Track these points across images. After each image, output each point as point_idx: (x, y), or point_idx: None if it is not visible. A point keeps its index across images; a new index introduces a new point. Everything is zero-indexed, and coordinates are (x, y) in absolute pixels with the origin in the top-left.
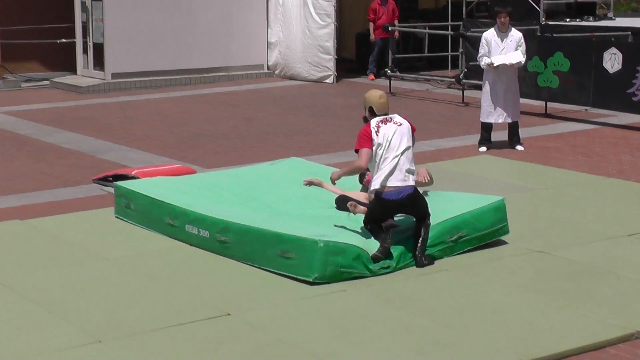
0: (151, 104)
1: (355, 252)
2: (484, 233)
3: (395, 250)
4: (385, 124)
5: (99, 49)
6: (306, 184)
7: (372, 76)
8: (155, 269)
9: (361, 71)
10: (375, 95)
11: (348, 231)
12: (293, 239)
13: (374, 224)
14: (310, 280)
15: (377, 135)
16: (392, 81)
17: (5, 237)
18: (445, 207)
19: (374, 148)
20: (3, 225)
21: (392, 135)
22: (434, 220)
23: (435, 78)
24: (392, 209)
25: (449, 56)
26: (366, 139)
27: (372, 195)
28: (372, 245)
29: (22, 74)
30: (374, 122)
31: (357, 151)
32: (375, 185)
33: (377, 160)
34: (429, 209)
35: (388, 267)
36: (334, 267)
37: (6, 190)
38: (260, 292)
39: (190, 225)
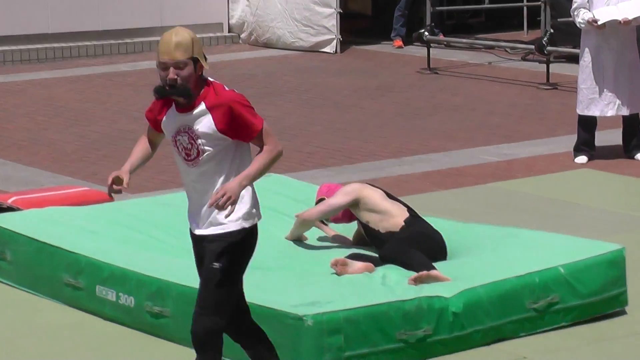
0: (36, 87)
1: (368, 319)
2: (589, 302)
3: (436, 303)
4: None
5: None
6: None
7: (398, 41)
8: (47, 358)
9: (381, 33)
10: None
11: (355, 286)
12: (267, 312)
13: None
14: None
15: None
16: (431, 49)
17: None
18: (523, 255)
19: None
20: None
21: None
22: (503, 272)
23: (503, 44)
24: None
25: (524, 9)
26: None
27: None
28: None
29: None
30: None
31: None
32: (251, 209)
33: (239, 156)
34: (493, 255)
35: (424, 333)
36: (334, 354)
37: None
38: None
39: (103, 288)
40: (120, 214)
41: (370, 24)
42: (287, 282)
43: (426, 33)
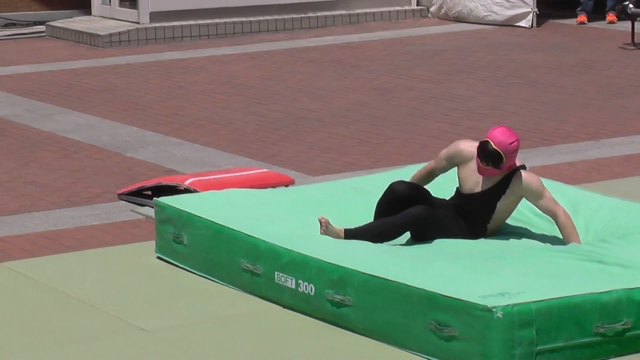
0: (215, 64)
1: (562, 311)
2: None
3: (636, 295)
4: None
5: None
6: None
7: (582, 16)
8: (223, 348)
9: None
10: None
11: (545, 274)
12: (452, 302)
13: None
14: None
15: None
16: (636, 23)
17: None
18: None
19: None
20: None
21: None
22: None
23: None
24: None
25: None
26: None
27: None
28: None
29: (1, 14)
30: None
31: None
32: None
33: None
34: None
35: (624, 327)
36: (526, 349)
37: None
38: None
39: (283, 274)
40: (303, 198)
41: None
42: (476, 268)
43: (631, 6)
